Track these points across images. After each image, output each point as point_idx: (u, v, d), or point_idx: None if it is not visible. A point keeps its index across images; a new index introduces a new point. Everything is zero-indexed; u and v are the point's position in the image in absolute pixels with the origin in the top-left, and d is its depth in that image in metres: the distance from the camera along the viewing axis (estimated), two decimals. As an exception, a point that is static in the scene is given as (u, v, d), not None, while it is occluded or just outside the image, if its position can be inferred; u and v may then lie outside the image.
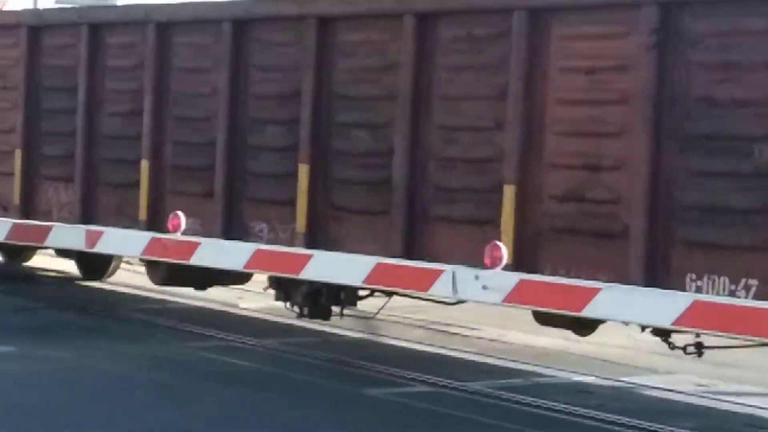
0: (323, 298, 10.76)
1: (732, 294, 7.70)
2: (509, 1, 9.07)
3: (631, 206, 8.24)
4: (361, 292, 10.92)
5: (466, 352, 11.39)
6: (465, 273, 8.80)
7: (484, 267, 8.65)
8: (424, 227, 9.52)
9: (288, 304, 11.05)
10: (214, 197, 10.90)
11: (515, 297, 8.49)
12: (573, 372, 10.50)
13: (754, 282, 7.64)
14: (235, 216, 10.85)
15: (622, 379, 10.32)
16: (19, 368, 9.68)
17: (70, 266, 15.76)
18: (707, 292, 7.81)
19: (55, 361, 9.96)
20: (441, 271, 8.95)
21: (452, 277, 8.84)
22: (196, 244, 10.71)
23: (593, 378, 10.24)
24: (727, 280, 7.78)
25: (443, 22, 9.48)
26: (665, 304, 7.79)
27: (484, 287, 8.59)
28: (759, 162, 7.61)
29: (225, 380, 9.53)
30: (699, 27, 8.00)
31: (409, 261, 9.35)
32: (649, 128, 8.16)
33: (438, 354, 11.31)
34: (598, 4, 8.71)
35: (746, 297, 7.61)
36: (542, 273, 8.62)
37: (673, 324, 7.69)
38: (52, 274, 16.29)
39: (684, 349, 9.07)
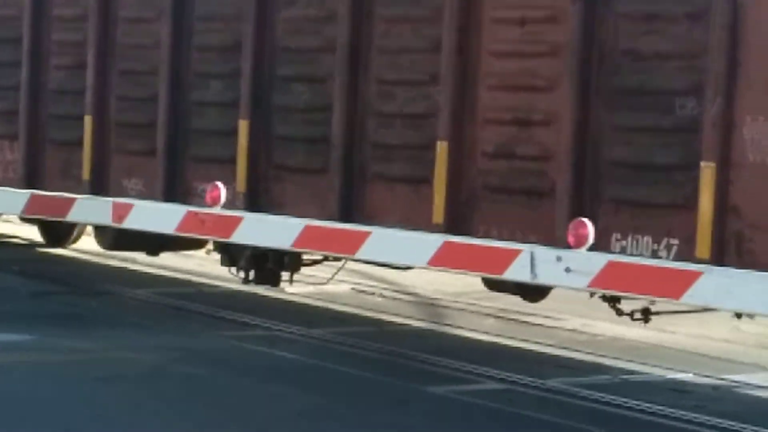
0: (270, 263, 10.51)
1: (654, 254, 7.63)
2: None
3: (559, 164, 8.10)
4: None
5: (544, 344, 10.47)
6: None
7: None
8: (361, 187, 9.32)
9: (234, 269, 10.85)
10: (156, 156, 10.57)
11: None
12: (668, 369, 9.62)
13: (675, 241, 7.58)
14: (178, 176, 10.50)
15: (723, 376, 9.43)
16: (38, 359, 9.00)
17: (34, 232, 15.31)
18: (631, 252, 7.74)
19: (77, 352, 9.27)
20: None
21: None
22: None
23: (691, 375, 9.34)
24: (650, 239, 7.73)
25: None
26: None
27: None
28: (680, 116, 7.56)
29: (267, 375, 8.76)
30: None
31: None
32: (576, 82, 7.97)
33: (512, 347, 10.40)
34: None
35: (668, 257, 7.58)
36: (474, 235, 8.46)
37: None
38: (15, 240, 15.71)
39: (631, 315, 8.95)
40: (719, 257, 7.26)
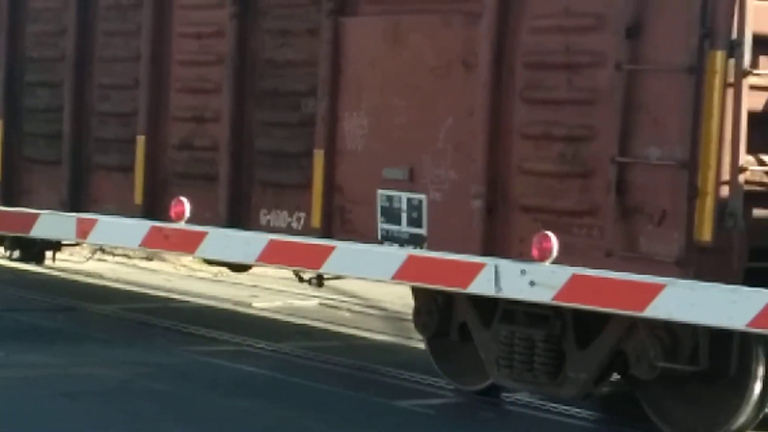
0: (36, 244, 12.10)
1: (288, 225, 9.32)
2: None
3: (222, 153, 9.72)
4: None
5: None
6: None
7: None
8: (87, 176, 10.97)
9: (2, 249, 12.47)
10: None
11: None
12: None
13: (302, 214, 9.21)
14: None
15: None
16: (3, 375, 8.90)
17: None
18: (273, 225, 9.42)
19: (43, 368, 9.20)
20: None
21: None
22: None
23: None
24: (286, 213, 9.36)
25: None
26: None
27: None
28: (304, 113, 9.22)
29: (235, 390, 8.70)
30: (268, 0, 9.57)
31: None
32: (233, 86, 9.67)
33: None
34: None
35: (298, 227, 9.23)
36: (166, 214, 9.90)
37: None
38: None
39: (309, 281, 10.25)
40: (328, 227, 8.94)
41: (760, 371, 7.19)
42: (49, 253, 13.71)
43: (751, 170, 7.08)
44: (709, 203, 6.95)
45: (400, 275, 8.25)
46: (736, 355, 7.19)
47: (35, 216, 10.85)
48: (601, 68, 7.47)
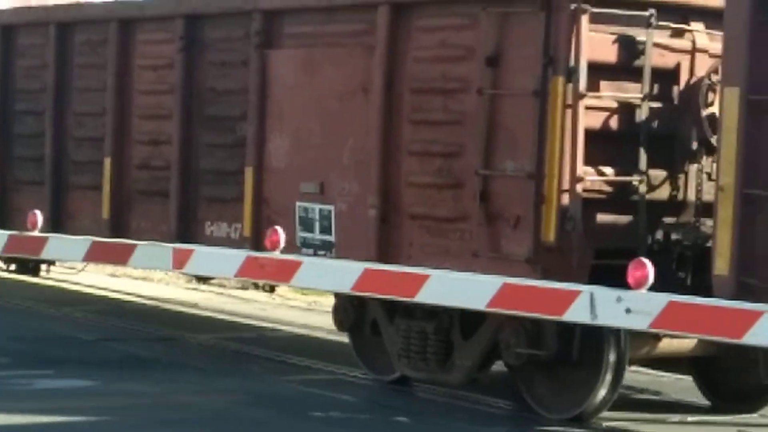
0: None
1: (228, 235, 10.55)
2: (106, 15, 11.89)
3: (173, 172, 10.95)
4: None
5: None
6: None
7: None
8: (65, 195, 12.21)
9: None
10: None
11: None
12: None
13: (238, 225, 10.36)
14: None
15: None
16: (103, 404, 8.74)
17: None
18: (215, 235, 10.66)
19: (141, 396, 9.00)
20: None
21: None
22: None
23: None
24: (226, 224, 10.56)
25: (77, 29, 12.22)
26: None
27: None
28: (239, 136, 10.38)
29: (330, 419, 8.50)
30: (210, 35, 10.79)
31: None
32: (181, 112, 10.88)
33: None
34: (155, 17, 11.52)
35: (235, 237, 10.43)
36: (128, 229, 11.35)
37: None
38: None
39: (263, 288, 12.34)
40: (257, 236, 10.01)
41: (612, 357, 8.18)
42: (44, 266, 15.19)
43: (590, 180, 8.11)
44: (552, 209, 8.02)
45: (494, 304, 8.19)
46: (578, 342, 8.24)
47: (132, 246, 10.87)
48: (469, 93, 8.59)
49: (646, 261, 7.42)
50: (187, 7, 10.96)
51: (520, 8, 8.28)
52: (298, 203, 9.80)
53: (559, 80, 8.00)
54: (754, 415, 9.04)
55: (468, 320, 8.84)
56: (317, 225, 9.64)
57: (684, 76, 8.43)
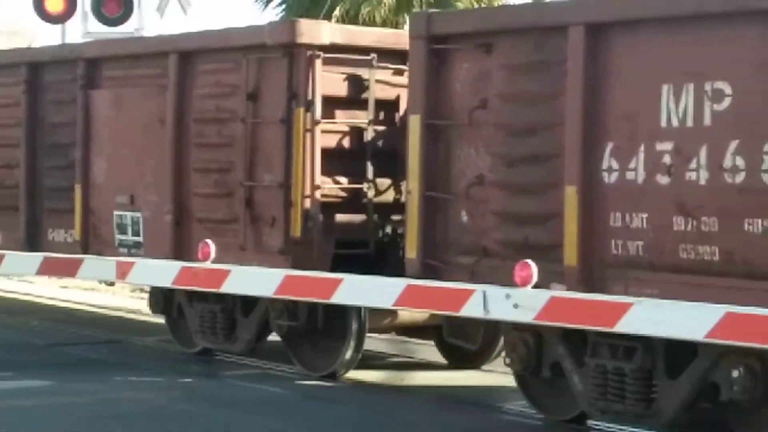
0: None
1: (65, 240, 12.77)
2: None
3: (21, 190, 13.19)
4: None
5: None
6: None
7: None
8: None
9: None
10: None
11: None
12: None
13: (72, 231, 12.54)
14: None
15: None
16: (55, 401, 9.65)
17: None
18: (56, 240, 12.88)
19: (91, 394, 9.96)
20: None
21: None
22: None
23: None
24: (63, 231, 12.80)
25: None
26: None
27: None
28: (70, 159, 12.56)
29: (262, 410, 9.58)
30: (47, 78, 13.05)
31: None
32: (27, 142, 13.14)
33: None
34: (4, 64, 13.80)
35: (71, 240, 12.58)
36: None
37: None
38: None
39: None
40: (86, 240, 12.31)
41: (354, 327, 10.53)
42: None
43: (328, 188, 10.50)
44: (298, 211, 10.39)
45: (400, 302, 9.42)
46: (322, 315, 10.63)
47: (79, 261, 12.18)
48: (236, 122, 10.96)
49: (531, 263, 8.33)
50: (29, 57, 13.48)
51: (271, 54, 10.66)
52: (115, 212, 12.13)
53: (300, 111, 10.41)
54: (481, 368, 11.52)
55: (246, 301, 11.11)
56: (130, 229, 11.96)
57: (402, 105, 10.74)
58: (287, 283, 10.10)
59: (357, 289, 9.76)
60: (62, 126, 12.82)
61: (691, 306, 7.47)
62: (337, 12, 20.63)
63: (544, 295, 8.21)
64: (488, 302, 8.53)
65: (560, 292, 8.18)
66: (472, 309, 8.68)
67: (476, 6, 20.77)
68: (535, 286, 8.28)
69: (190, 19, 22.05)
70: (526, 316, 8.29)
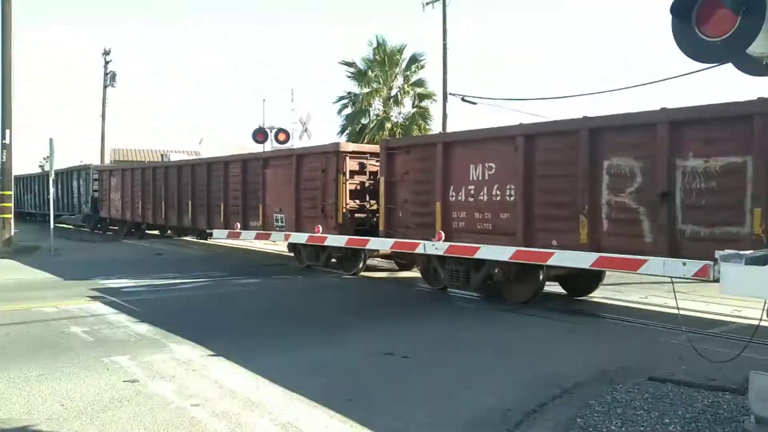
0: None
1: (256, 225, 28.56)
2: None
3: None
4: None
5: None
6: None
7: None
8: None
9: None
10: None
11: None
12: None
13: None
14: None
15: None
16: (262, 285, 19.70)
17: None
18: (250, 224, 28.77)
19: (274, 282, 21.91)
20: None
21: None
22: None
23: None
24: (254, 222, 28.91)
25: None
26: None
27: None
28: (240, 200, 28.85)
29: (336, 285, 21.53)
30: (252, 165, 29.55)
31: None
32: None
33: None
34: None
35: (258, 225, 28.49)
36: None
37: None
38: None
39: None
40: None
41: (363, 254, 26.37)
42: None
43: (350, 204, 26.08)
44: (340, 213, 26.19)
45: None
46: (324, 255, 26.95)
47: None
48: (318, 180, 27.11)
49: (442, 232, 20.64)
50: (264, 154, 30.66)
51: (330, 154, 26.58)
52: (275, 214, 28.13)
53: (341, 176, 26.30)
54: (411, 270, 25.89)
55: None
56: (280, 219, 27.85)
57: (378, 174, 24.81)
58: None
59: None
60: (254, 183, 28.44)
61: (489, 247, 18.82)
62: (366, 138, 47.79)
63: (446, 244, 19.41)
64: (426, 246, 19.66)
65: (449, 243, 19.27)
66: (421, 249, 20.12)
67: (419, 134, 46.16)
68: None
69: (312, 141, 48.98)
70: (440, 252, 19.54)
